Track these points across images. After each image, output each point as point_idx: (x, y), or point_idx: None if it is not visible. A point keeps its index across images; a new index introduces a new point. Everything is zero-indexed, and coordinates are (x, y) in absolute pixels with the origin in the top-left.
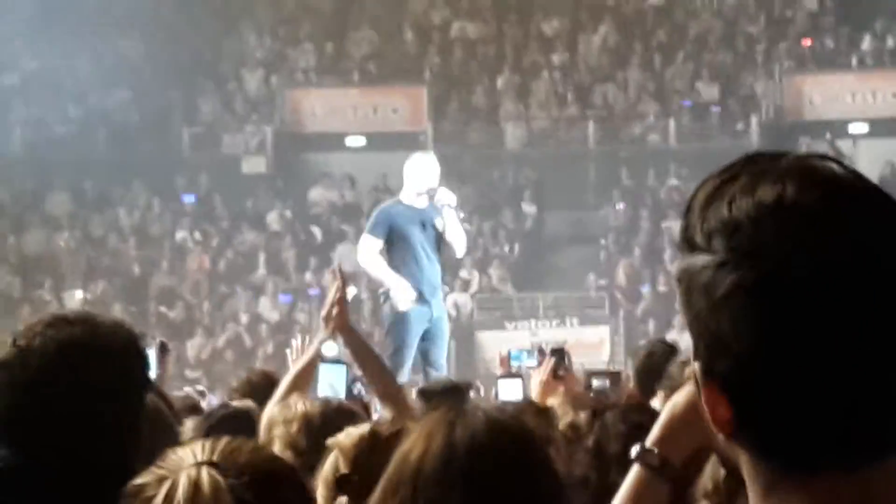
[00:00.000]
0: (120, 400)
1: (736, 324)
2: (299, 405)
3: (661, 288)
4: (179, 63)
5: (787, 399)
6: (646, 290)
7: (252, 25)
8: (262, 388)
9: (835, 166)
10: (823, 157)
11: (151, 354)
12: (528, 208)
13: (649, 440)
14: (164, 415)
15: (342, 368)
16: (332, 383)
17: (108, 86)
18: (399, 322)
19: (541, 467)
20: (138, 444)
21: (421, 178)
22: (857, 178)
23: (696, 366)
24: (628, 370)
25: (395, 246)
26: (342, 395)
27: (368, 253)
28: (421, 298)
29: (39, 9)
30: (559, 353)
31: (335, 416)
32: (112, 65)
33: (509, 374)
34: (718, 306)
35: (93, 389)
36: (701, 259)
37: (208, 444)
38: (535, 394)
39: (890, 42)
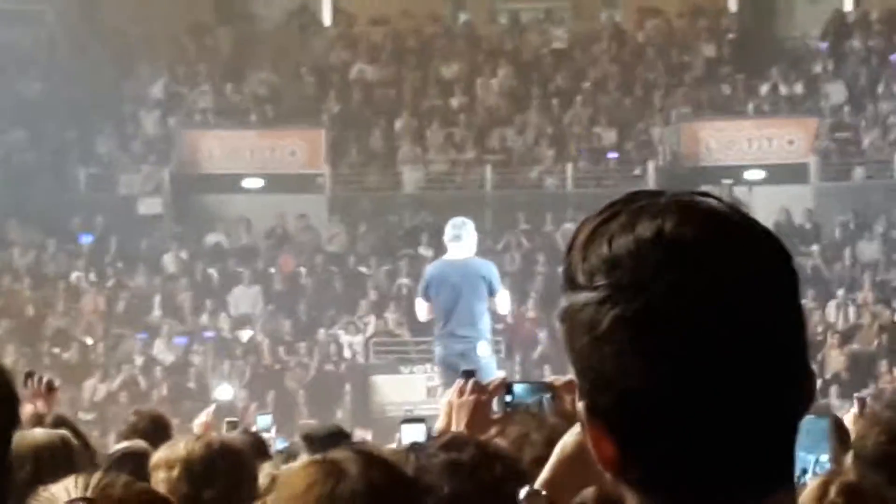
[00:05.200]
0: None
1: (617, 359)
2: (181, 446)
3: (558, 334)
4: (77, 103)
5: (669, 434)
6: (542, 335)
7: (150, 66)
8: (152, 430)
9: (713, 202)
10: (703, 193)
11: (26, 393)
12: (426, 251)
13: (538, 482)
14: (69, 449)
15: (422, 426)
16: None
17: (3, 125)
18: None
19: None
20: (6, 484)
21: None
22: (735, 213)
23: (580, 405)
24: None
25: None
26: None
27: None
28: None
29: None
30: (469, 374)
31: (218, 460)
32: (9, 105)
33: (412, 419)
34: (601, 342)
35: None
36: (583, 297)
37: (81, 479)
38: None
39: (785, 90)
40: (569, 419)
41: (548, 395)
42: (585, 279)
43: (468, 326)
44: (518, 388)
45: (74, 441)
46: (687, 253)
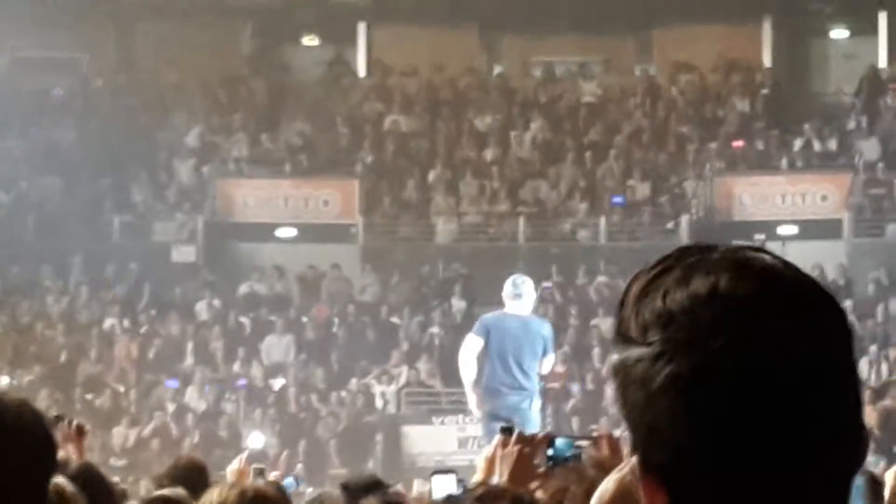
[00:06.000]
0: (20, 479)
1: (672, 415)
2: (214, 493)
3: (590, 386)
4: (112, 151)
5: (722, 491)
6: (575, 388)
7: (185, 115)
8: (190, 475)
9: (767, 257)
10: (756, 248)
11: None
12: (458, 303)
13: None
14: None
15: (452, 478)
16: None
17: (39, 172)
18: None
19: None
20: None
21: None
22: (790, 269)
23: (633, 459)
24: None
25: None
26: None
27: None
28: None
29: None
30: (509, 430)
31: None
32: (44, 152)
33: (443, 470)
34: (654, 398)
35: None
36: (636, 352)
37: None
38: (480, 468)
39: (818, 145)
40: (606, 470)
41: (586, 444)
42: (639, 334)
43: (524, 381)
44: (559, 442)
45: (70, 490)
46: (742, 310)
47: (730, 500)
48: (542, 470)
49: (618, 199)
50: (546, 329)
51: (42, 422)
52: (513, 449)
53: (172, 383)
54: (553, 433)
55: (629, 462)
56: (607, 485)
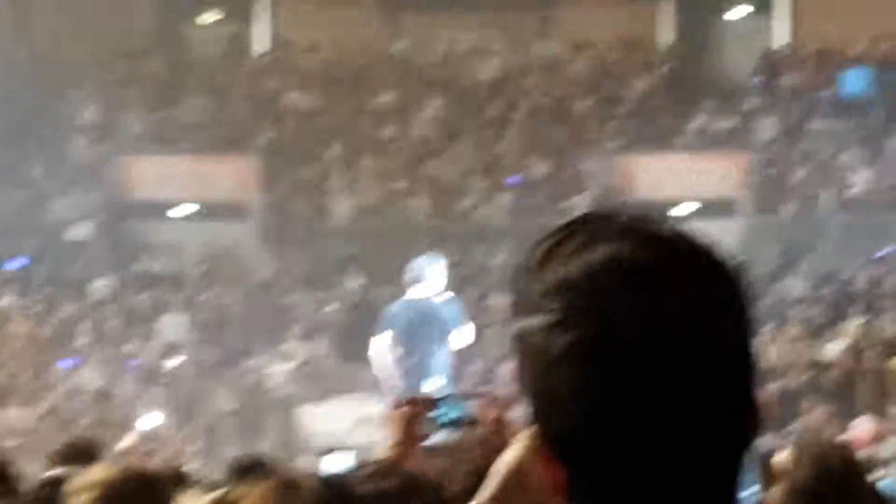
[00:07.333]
0: None
1: (569, 385)
2: (98, 471)
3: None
4: (7, 127)
5: (617, 462)
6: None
7: (81, 90)
8: (83, 455)
9: (668, 227)
10: (657, 218)
11: None
12: (354, 282)
13: (479, 499)
14: None
15: (347, 456)
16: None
17: None
18: None
19: None
20: None
21: None
22: (690, 240)
23: (532, 429)
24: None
25: None
26: None
27: None
28: None
29: None
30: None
31: (138, 486)
32: None
33: (337, 449)
34: (552, 367)
35: None
36: (535, 320)
37: None
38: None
39: (717, 124)
40: (490, 448)
41: (472, 403)
42: (538, 302)
43: (433, 365)
44: (444, 403)
45: None
46: (642, 279)
47: (626, 471)
48: (426, 433)
49: (515, 179)
50: (450, 308)
51: None
52: (401, 411)
53: (67, 363)
54: (438, 395)
55: (527, 435)
56: (510, 455)
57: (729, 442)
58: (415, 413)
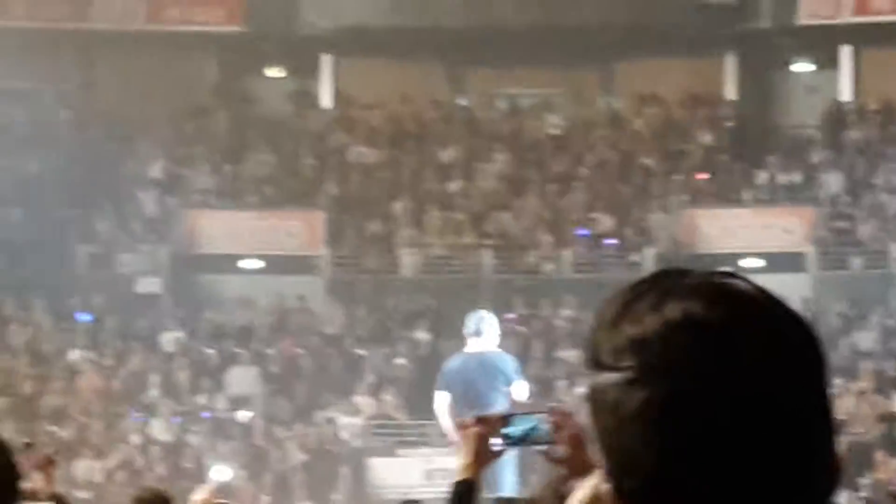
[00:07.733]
0: None
1: (643, 442)
2: None
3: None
4: (76, 182)
5: None
6: None
7: (149, 146)
8: None
9: (741, 283)
10: (730, 274)
11: (25, 464)
12: (423, 335)
13: None
14: None
15: None
16: None
17: (3, 203)
18: None
19: None
20: None
21: None
22: (764, 295)
23: (606, 485)
24: None
25: None
26: None
27: None
28: None
29: None
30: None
31: None
32: (8, 183)
33: (409, 502)
34: (626, 424)
35: None
36: (609, 377)
37: None
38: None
39: (782, 178)
40: (570, 468)
41: (544, 424)
42: (612, 359)
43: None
44: (515, 420)
45: None
46: (716, 337)
47: None
48: (498, 449)
49: (583, 232)
50: (506, 361)
51: (4, 450)
52: (471, 431)
53: (137, 415)
54: (509, 412)
55: (598, 475)
56: (583, 491)
57: (806, 500)
58: (485, 432)
